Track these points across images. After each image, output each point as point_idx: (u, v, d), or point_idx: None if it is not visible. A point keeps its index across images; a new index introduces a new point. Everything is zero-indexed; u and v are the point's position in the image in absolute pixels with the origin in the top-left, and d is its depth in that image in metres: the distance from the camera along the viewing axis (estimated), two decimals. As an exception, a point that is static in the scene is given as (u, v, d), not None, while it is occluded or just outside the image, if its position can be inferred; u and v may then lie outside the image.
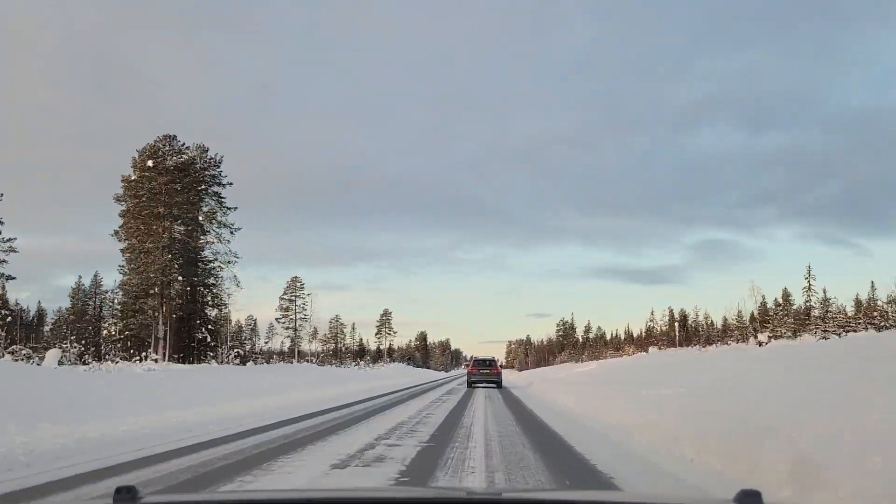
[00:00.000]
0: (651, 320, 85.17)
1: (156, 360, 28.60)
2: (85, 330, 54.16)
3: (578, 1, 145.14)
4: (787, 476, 5.23)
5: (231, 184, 47.71)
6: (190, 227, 45.38)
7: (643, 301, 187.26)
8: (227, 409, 13.89)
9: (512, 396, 24.04)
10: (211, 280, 47.52)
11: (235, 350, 42.14)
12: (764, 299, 51.00)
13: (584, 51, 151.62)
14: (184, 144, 46.68)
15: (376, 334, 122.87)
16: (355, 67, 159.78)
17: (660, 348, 48.28)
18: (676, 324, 73.64)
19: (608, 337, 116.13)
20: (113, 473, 6.61)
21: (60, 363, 21.19)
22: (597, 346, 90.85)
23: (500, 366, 38.82)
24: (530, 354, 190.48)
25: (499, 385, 32.14)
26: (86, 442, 8.50)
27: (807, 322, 41.09)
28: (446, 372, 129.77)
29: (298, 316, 72.71)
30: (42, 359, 21.74)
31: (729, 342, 40.44)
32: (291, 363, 53.70)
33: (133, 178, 43.33)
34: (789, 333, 36.14)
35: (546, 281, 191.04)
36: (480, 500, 2.14)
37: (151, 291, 42.77)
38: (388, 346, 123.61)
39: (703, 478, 6.26)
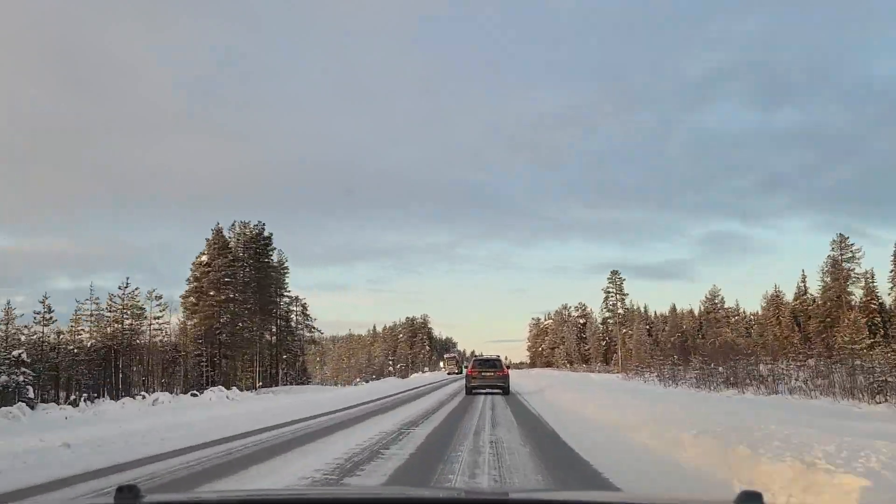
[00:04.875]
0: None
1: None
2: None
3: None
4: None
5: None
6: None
7: (650, 298, 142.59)
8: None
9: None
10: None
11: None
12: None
13: (586, 18, 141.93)
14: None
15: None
16: (345, 53, 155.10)
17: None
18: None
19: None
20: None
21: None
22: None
23: (507, 366, 30.62)
24: (592, 339, 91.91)
25: (505, 391, 25.80)
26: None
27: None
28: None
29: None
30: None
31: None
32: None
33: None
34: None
35: (551, 278, 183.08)
36: (489, 500, 2.23)
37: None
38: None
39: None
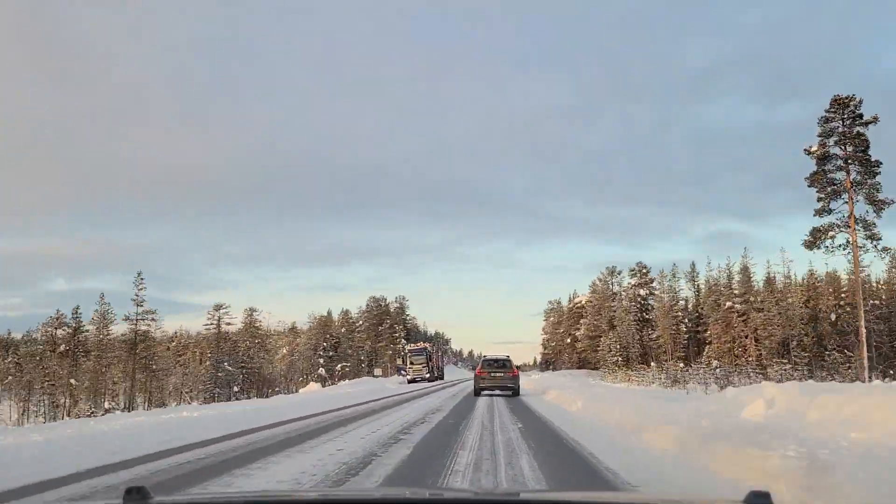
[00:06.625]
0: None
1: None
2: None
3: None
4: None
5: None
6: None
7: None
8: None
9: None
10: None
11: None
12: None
13: (586, 9, 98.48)
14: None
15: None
16: (340, 46, 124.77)
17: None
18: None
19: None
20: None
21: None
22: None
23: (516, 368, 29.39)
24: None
25: (515, 392, 24.81)
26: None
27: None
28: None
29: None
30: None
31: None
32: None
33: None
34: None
35: (552, 277, 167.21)
36: (500, 501, 2.18)
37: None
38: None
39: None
